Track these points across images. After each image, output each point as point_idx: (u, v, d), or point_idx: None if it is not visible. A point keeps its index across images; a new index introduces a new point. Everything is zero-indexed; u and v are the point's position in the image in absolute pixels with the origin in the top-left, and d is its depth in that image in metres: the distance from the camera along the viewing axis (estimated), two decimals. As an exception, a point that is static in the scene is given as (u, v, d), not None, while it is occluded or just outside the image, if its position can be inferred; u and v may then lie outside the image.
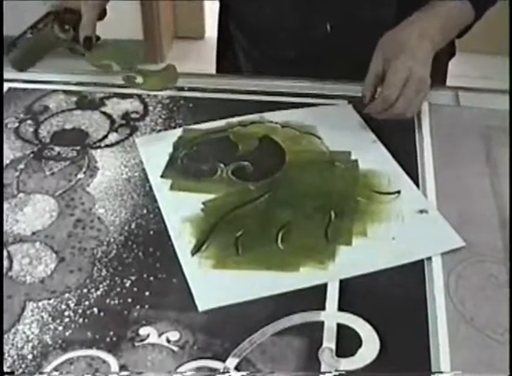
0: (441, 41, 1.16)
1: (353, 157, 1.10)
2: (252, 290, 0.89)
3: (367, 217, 0.99)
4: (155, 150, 1.12)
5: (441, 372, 0.79)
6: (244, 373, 0.79)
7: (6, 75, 1.32)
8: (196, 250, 0.94)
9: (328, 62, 1.32)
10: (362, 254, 0.94)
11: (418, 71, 1.09)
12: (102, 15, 1.27)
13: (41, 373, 0.81)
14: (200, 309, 0.87)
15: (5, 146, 1.15)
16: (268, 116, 1.19)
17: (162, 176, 1.07)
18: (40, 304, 0.88)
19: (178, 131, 1.17)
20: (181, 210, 1.00)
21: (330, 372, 0.79)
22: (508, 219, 0.98)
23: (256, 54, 1.39)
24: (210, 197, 1.03)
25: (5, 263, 0.94)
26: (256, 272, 0.92)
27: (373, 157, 1.10)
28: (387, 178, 1.05)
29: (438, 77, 1.34)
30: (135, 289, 0.90)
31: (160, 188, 1.05)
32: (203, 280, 0.90)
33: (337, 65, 1.29)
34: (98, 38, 1.25)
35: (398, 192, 1.03)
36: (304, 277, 0.91)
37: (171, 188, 1.05)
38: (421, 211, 1.00)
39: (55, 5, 1.24)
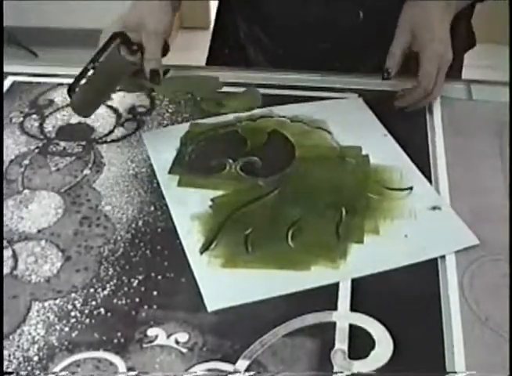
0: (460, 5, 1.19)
1: (364, 152, 1.08)
2: (262, 289, 0.87)
3: (379, 214, 0.97)
4: (162, 145, 1.11)
5: (455, 372, 0.78)
6: (252, 372, 0.77)
7: (11, 68, 1.30)
8: (204, 248, 0.92)
9: (359, 53, 1.31)
10: (374, 253, 0.92)
11: (448, 57, 1.11)
12: (165, 49, 1.12)
13: (46, 373, 0.79)
14: (209, 309, 0.85)
15: (10, 141, 1.13)
16: (277, 110, 1.17)
17: (170, 172, 1.05)
18: (46, 304, 0.87)
19: (186, 126, 1.15)
20: (189, 207, 0.99)
21: (342, 372, 0.77)
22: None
23: (275, 48, 1.36)
24: (219, 193, 1.01)
25: (10, 262, 0.92)
26: (266, 271, 0.90)
27: (384, 152, 1.08)
28: (399, 174, 1.04)
29: (456, 68, 1.33)
30: (143, 289, 0.88)
31: (168, 184, 1.03)
32: (212, 280, 0.89)
33: (369, 55, 1.28)
34: (166, 71, 1.15)
35: (411, 188, 1.01)
36: (315, 276, 0.89)
37: (179, 184, 1.03)
38: (434, 208, 0.98)
39: (116, 25, 1.11)
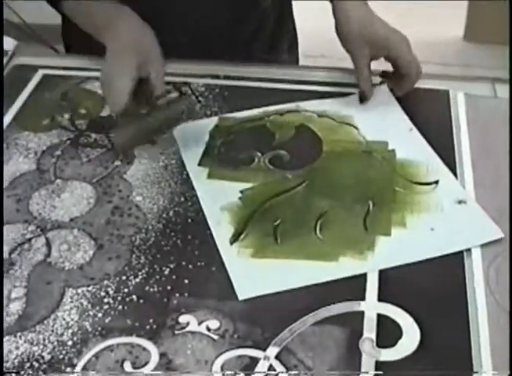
0: None
1: (390, 147, 1.09)
2: (291, 279, 0.89)
3: (406, 207, 0.98)
4: (192, 139, 1.12)
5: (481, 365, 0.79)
6: (273, 372, 0.79)
7: (41, 62, 1.32)
8: (234, 239, 0.94)
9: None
10: (401, 245, 0.93)
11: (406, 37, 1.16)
12: None
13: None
14: (240, 297, 0.87)
15: (41, 133, 1.15)
16: (305, 105, 1.18)
17: (199, 164, 1.07)
18: (79, 290, 0.89)
19: (214, 120, 1.16)
20: (219, 198, 1.00)
21: (368, 372, 0.78)
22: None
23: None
24: (248, 185, 1.03)
25: (44, 249, 0.94)
26: (295, 261, 0.91)
27: (410, 146, 1.09)
28: (426, 168, 1.05)
29: None
30: (174, 277, 0.90)
31: (198, 176, 1.05)
32: (242, 269, 0.90)
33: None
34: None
35: (436, 182, 1.02)
36: (343, 267, 0.90)
37: (209, 176, 1.05)
38: (459, 202, 0.99)
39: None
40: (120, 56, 1.07)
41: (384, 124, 1.14)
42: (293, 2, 1.45)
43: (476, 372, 0.79)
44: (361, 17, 1.16)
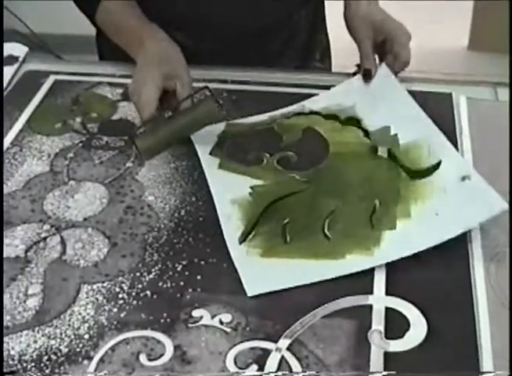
0: None
1: (393, 131, 1.12)
2: (299, 277, 0.91)
3: (410, 197, 1.00)
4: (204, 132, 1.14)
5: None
6: (280, 373, 0.81)
7: (52, 67, 1.35)
8: (243, 238, 0.96)
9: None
10: (407, 236, 0.95)
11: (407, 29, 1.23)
12: None
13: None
14: (249, 293, 0.89)
15: (54, 136, 1.18)
16: (309, 103, 1.21)
17: (211, 154, 1.11)
18: (94, 286, 0.91)
19: (222, 126, 1.18)
20: (229, 189, 1.03)
21: (380, 372, 0.81)
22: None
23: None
24: (257, 182, 1.05)
25: (59, 248, 0.97)
26: (303, 260, 0.94)
27: (412, 126, 1.12)
28: (428, 149, 1.07)
29: None
30: (187, 273, 0.92)
31: (210, 164, 1.08)
32: (251, 269, 0.92)
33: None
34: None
35: (438, 164, 1.04)
36: (349, 264, 0.92)
37: (220, 167, 1.08)
38: (463, 178, 1.01)
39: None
40: (147, 69, 1.13)
41: (386, 106, 1.17)
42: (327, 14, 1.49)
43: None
44: (368, 7, 1.25)
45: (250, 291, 0.90)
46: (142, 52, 1.17)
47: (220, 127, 1.18)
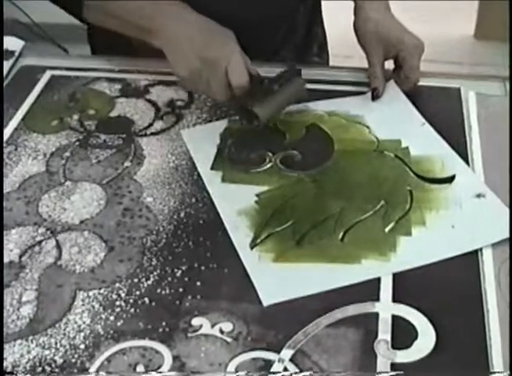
0: None
1: (403, 144, 1.08)
2: (316, 283, 0.88)
3: (424, 205, 0.98)
4: (202, 142, 1.11)
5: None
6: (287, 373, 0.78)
7: (48, 62, 1.32)
8: (254, 243, 0.93)
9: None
10: (423, 245, 0.92)
11: (422, 44, 1.18)
12: None
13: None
14: (265, 303, 0.86)
15: (50, 134, 1.14)
16: (313, 105, 1.17)
17: (212, 168, 1.06)
18: (91, 293, 0.88)
19: (224, 123, 1.15)
20: (235, 202, 0.99)
21: (388, 372, 0.78)
22: None
23: None
24: (262, 188, 1.02)
25: (54, 252, 0.94)
26: (318, 264, 0.91)
27: (423, 142, 1.09)
28: (441, 163, 1.04)
29: None
30: (186, 279, 0.89)
31: (212, 180, 1.04)
32: (265, 275, 0.89)
33: None
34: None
35: (453, 177, 1.01)
36: (367, 269, 0.89)
37: (223, 180, 1.04)
38: (478, 196, 0.99)
39: None
40: (217, 37, 1.08)
41: (396, 121, 1.13)
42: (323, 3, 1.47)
43: (493, 372, 0.78)
44: (379, 18, 1.19)
45: (266, 301, 0.86)
46: (180, 25, 1.08)
47: (223, 124, 1.15)
